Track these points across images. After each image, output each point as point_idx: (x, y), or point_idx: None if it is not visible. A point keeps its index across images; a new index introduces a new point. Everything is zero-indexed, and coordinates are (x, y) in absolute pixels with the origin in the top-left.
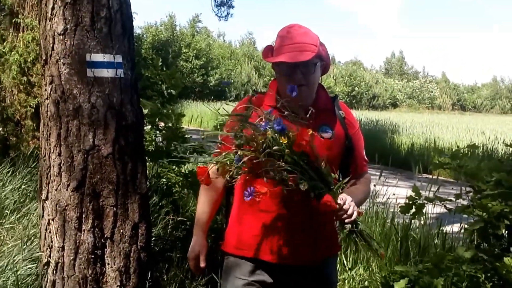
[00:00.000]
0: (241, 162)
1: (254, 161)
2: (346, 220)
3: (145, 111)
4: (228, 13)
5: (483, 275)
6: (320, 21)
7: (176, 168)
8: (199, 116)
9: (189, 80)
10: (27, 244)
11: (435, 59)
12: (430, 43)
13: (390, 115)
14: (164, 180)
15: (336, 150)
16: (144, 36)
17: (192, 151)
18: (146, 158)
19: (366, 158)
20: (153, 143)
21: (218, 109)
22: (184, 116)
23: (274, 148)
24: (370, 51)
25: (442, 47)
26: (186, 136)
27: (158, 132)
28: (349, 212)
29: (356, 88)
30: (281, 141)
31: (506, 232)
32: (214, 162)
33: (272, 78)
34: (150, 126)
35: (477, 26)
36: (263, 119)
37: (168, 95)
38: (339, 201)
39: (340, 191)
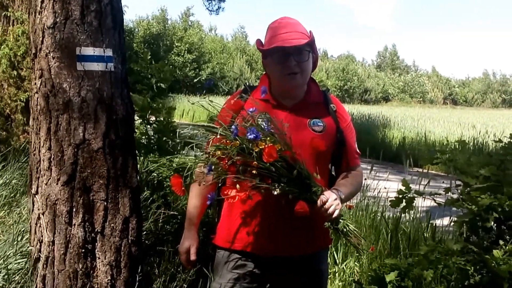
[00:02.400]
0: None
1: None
2: (328, 218)
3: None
4: (219, 7)
5: (472, 267)
6: (312, 15)
7: (167, 162)
8: (191, 110)
9: (181, 74)
10: (18, 238)
11: (425, 53)
12: (421, 37)
13: (382, 109)
14: (155, 174)
15: (327, 143)
16: (136, 30)
17: (183, 145)
18: (137, 152)
19: (358, 151)
20: (145, 136)
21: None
22: (175, 109)
23: (244, 157)
24: (362, 46)
25: (432, 41)
26: (178, 130)
27: (149, 126)
28: (330, 211)
29: (349, 83)
30: (253, 150)
31: (495, 225)
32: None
33: (264, 72)
34: (140, 120)
35: (469, 22)
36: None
37: (158, 89)
38: (319, 201)
39: (326, 189)
